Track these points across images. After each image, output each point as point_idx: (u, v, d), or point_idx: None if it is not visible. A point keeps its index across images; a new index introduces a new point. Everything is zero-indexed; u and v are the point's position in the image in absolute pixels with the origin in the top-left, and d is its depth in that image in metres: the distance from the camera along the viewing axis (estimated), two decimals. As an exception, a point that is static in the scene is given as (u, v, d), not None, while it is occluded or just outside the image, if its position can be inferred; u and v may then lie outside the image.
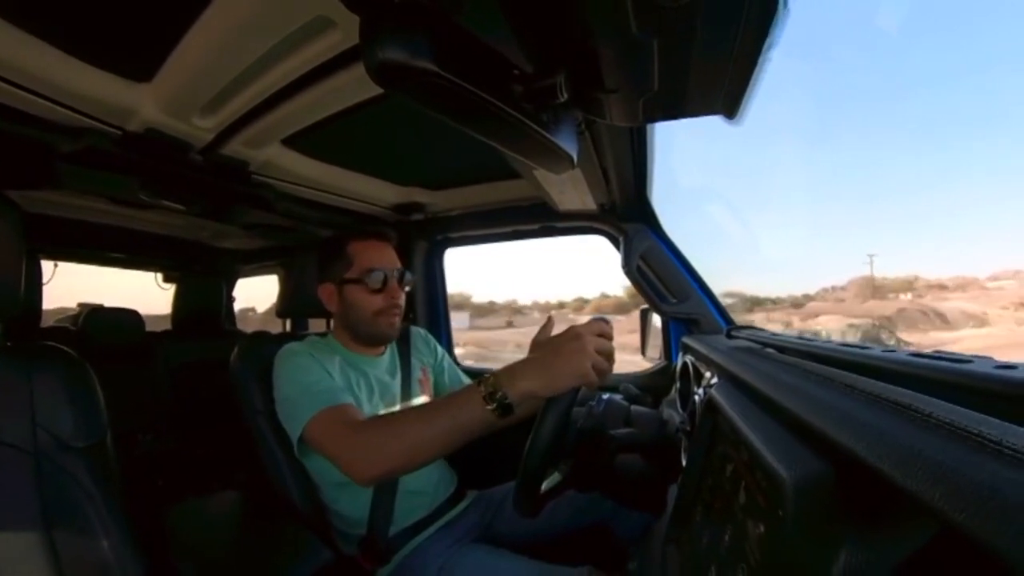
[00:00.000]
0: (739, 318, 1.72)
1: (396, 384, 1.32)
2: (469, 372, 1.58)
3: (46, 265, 2.25)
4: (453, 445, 0.85)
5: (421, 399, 1.35)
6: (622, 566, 1.03)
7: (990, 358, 0.47)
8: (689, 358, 1.29)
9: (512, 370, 0.82)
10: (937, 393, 0.43)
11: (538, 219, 1.84)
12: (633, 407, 1.10)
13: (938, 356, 0.52)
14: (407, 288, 1.29)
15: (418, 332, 1.53)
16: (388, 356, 1.37)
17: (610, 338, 0.83)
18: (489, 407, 0.80)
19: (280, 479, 1.19)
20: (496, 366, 0.89)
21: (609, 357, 0.82)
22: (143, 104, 1.01)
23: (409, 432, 0.85)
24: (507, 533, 1.31)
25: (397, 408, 1.28)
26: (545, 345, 0.84)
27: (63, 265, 2.45)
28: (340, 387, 1.10)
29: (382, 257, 1.25)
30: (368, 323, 1.24)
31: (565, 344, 0.80)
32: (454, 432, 0.83)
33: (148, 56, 0.90)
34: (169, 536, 1.11)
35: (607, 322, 0.90)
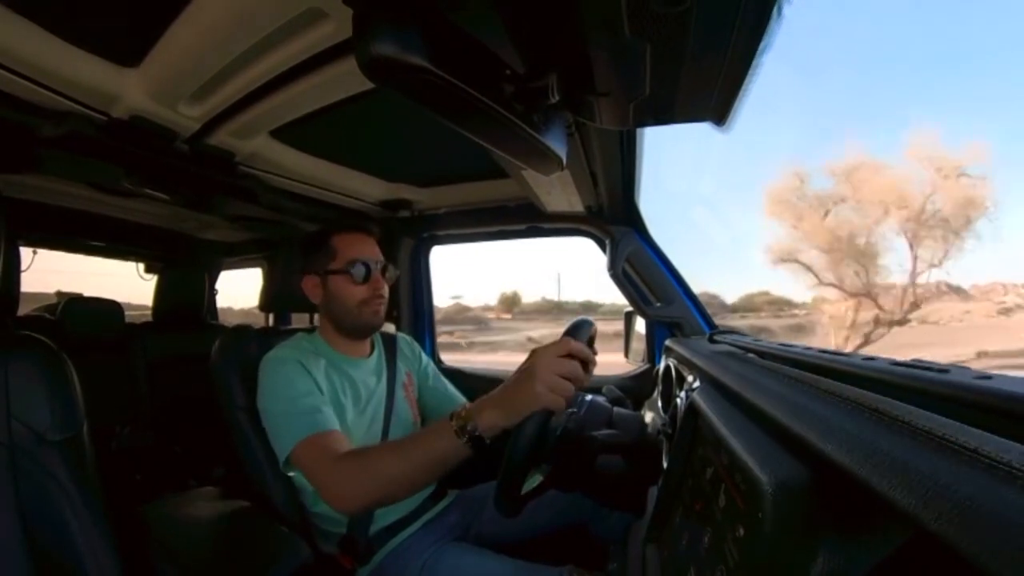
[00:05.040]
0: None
1: (381, 388, 1.32)
2: (451, 373, 1.58)
3: (24, 252, 2.20)
4: (429, 478, 0.89)
5: (404, 405, 1.35)
6: (603, 566, 1.03)
7: (968, 368, 0.48)
8: (672, 361, 1.30)
9: (481, 403, 0.84)
10: (915, 401, 0.43)
11: (525, 219, 1.85)
12: (615, 409, 1.10)
13: (917, 365, 0.52)
14: (390, 281, 1.29)
15: (404, 338, 1.52)
16: (375, 359, 1.36)
17: (579, 354, 0.83)
18: (461, 440, 0.82)
19: (260, 476, 1.18)
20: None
21: (574, 377, 0.81)
22: (129, 90, 0.99)
23: (385, 468, 0.88)
24: (489, 532, 1.31)
25: (382, 411, 1.28)
26: (514, 374, 0.85)
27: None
28: (325, 403, 1.09)
29: (365, 249, 1.25)
30: (352, 313, 1.24)
31: (523, 371, 0.82)
32: (429, 466, 0.86)
33: (136, 40, 0.89)
34: (146, 532, 1.09)
35: (586, 327, 0.90)
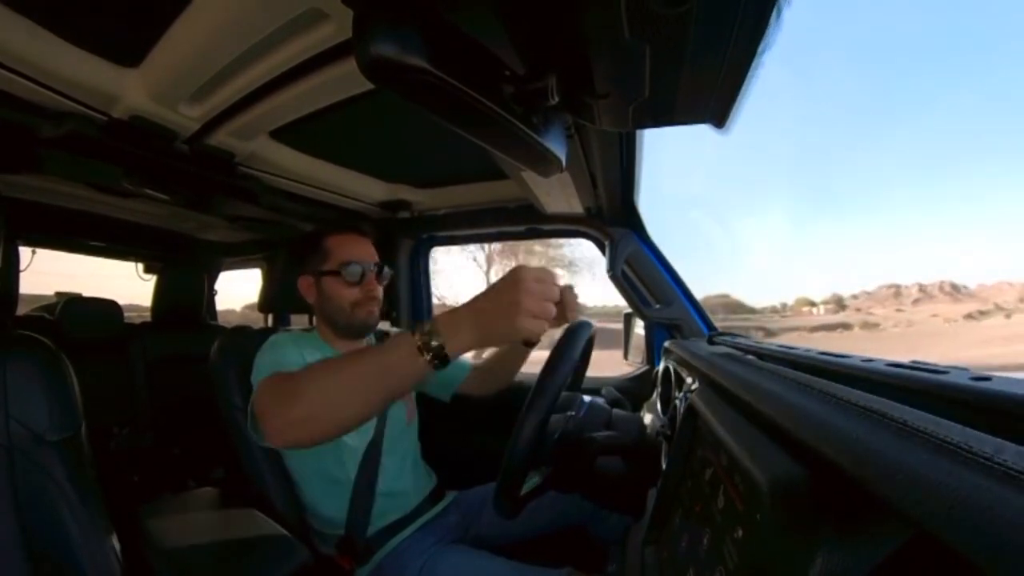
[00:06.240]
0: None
1: None
2: None
3: (23, 252, 2.20)
4: (378, 393, 0.76)
5: (399, 404, 1.35)
6: (602, 568, 1.03)
7: (966, 369, 0.48)
8: (671, 363, 1.30)
9: (451, 320, 0.73)
10: (913, 402, 0.43)
11: (524, 221, 1.85)
12: (614, 410, 1.10)
13: (915, 367, 0.53)
14: (385, 281, 1.30)
15: None
16: None
17: (553, 283, 0.74)
18: (425, 357, 0.71)
19: (258, 477, 1.18)
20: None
21: (552, 298, 0.73)
22: (129, 90, 0.99)
23: (324, 379, 0.77)
24: (488, 534, 1.31)
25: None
26: (488, 292, 0.75)
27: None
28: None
29: (359, 251, 1.26)
30: (346, 314, 1.24)
31: (503, 293, 0.72)
32: (378, 378, 0.75)
33: (137, 40, 0.89)
34: (144, 533, 1.09)
35: (586, 328, 0.90)
